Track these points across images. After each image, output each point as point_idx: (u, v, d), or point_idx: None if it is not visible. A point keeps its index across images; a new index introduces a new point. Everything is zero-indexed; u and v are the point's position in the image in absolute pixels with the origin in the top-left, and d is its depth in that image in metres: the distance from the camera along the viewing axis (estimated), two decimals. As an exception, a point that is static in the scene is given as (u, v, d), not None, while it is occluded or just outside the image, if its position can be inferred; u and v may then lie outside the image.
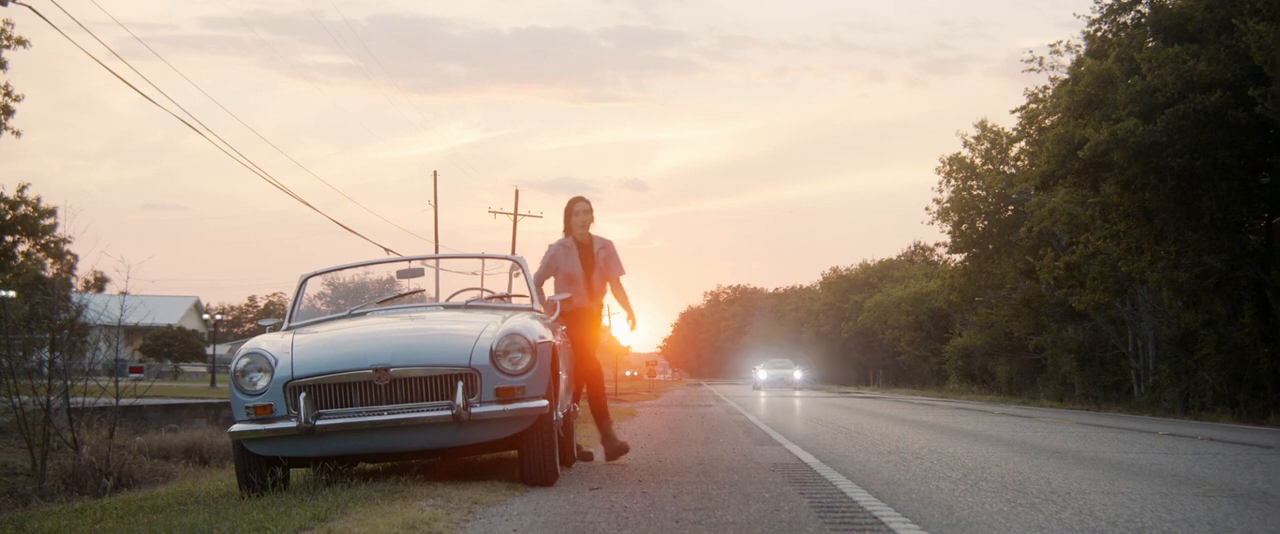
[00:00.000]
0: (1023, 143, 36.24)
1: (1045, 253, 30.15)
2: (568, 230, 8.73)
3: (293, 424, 6.18)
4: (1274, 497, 6.40)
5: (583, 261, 8.58)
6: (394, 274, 9.17)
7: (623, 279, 8.84)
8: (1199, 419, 19.61)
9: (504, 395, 6.32)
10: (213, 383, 44.57)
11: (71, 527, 6.05)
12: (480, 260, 8.92)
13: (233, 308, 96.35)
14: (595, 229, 8.82)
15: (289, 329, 7.41)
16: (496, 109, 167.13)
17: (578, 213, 8.65)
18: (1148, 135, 19.96)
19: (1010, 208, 39.20)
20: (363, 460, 7.05)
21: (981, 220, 40.62)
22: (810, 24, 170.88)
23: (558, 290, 8.42)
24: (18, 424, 12.75)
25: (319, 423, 6.19)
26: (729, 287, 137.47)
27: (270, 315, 65.43)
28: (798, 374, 48.47)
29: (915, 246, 79.12)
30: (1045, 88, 31.53)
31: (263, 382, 6.32)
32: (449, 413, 6.21)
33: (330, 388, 6.30)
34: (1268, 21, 18.22)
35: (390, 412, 6.25)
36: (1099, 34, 24.36)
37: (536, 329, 6.64)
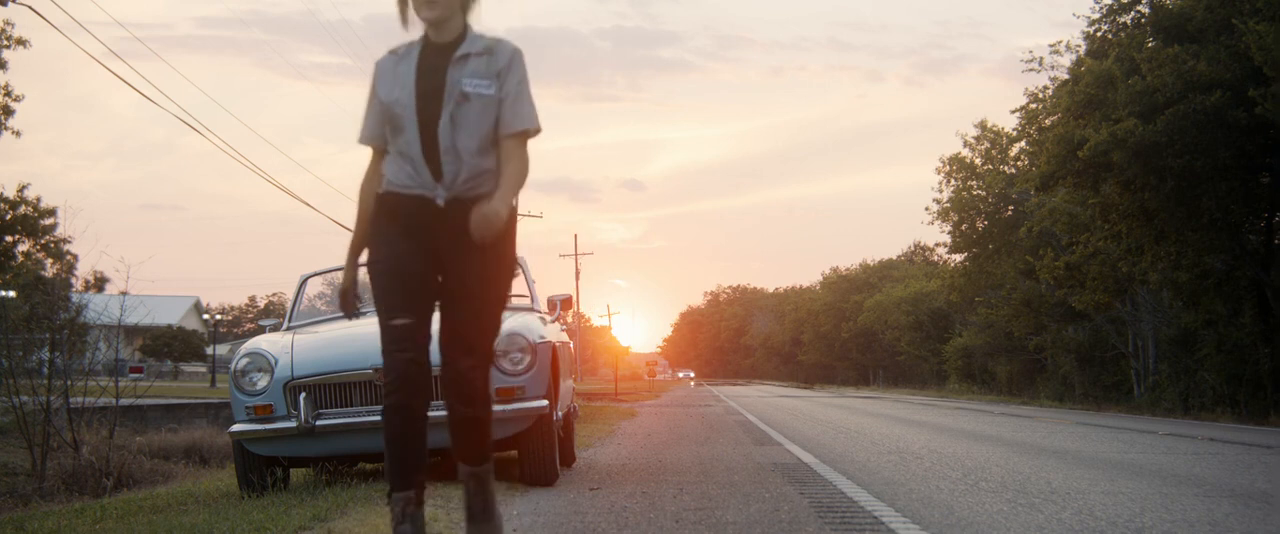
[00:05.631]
0: (1023, 143, 36.32)
1: (1045, 253, 30.16)
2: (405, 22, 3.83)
3: (293, 424, 6.19)
4: (1274, 497, 6.39)
5: (418, 83, 3.69)
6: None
7: (532, 143, 3.76)
8: (1199, 419, 19.59)
9: (504, 395, 6.32)
10: (213, 383, 44.55)
11: (71, 527, 6.05)
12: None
13: (233, 308, 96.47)
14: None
15: (289, 329, 7.42)
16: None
17: None
18: (1148, 135, 19.97)
19: (1010, 208, 39.24)
20: (363, 460, 7.05)
21: (981, 220, 40.67)
22: (806, 24, 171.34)
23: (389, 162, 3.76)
24: (18, 424, 12.75)
25: (319, 423, 6.19)
26: (729, 287, 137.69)
27: (270, 315, 65.41)
28: None
29: (915, 247, 79.38)
30: (1045, 88, 31.64)
31: (263, 382, 6.33)
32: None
33: (330, 388, 6.31)
34: (1268, 21, 18.22)
35: (390, 412, 6.24)
36: (1099, 34, 24.38)
37: (536, 329, 6.63)
